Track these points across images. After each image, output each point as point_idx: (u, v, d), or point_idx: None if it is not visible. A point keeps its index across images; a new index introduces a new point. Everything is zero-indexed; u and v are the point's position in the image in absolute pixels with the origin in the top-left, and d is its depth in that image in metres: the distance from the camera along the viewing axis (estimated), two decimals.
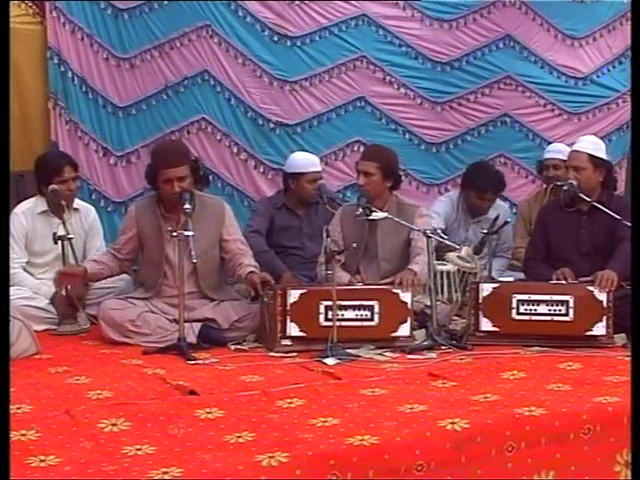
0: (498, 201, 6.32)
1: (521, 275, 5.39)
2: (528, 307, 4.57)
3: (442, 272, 5.13)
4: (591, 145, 5.01)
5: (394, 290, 4.58)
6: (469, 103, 7.17)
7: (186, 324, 4.48)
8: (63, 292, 4.91)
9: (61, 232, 5.00)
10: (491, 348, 4.42)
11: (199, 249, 4.66)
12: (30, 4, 6.14)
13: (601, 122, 7.47)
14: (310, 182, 5.73)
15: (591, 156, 4.94)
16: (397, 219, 4.88)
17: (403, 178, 6.79)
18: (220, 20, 6.48)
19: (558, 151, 6.14)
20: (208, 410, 3.28)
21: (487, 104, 7.20)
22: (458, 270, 5.14)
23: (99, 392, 3.58)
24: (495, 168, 6.48)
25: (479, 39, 7.17)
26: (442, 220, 5.96)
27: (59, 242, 4.96)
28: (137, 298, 4.82)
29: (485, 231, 5.27)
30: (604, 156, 5.02)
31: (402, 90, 7.00)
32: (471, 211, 6.13)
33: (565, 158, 5.58)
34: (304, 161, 5.80)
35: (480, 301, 4.61)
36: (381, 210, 4.94)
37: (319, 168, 5.83)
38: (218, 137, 6.53)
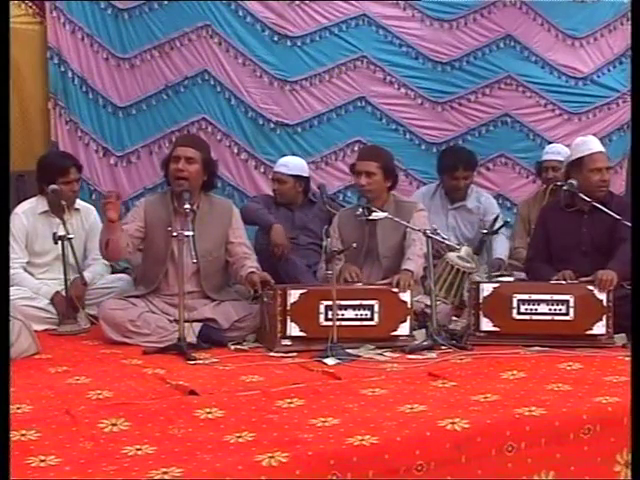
0: (482, 191, 6.33)
1: (520, 274, 5.41)
2: (528, 307, 4.57)
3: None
4: (600, 144, 5.06)
5: (394, 289, 4.59)
6: (469, 103, 7.17)
7: (186, 324, 4.48)
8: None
9: (61, 232, 5.00)
10: (491, 348, 4.42)
11: (204, 249, 4.68)
12: (30, 4, 6.14)
13: (601, 122, 7.47)
14: (277, 182, 5.77)
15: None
16: (397, 219, 4.88)
17: (404, 178, 6.90)
18: (220, 20, 6.48)
19: (557, 152, 6.14)
20: (208, 410, 3.28)
21: (487, 104, 7.20)
22: (457, 270, 5.14)
23: (99, 392, 3.58)
24: (465, 147, 6.54)
25: (479, 39, 7.17)
26: None
27: (59, 242, 4.96)
28: (137, 296, 4.82)
29: (485, 231, 5.28)
30: None
31: (402, 90, 7.00)
32: (450, 196, 6.15)
33: (563, 159, 5.58)
34: (280, 162, 5.85)
35: (480, 301, 4.62)
36: (380, 209, 4.94)
37: (278, 169, 5.74)
38: (218, 137, 6.53)
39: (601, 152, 5.00)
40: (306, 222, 5.72)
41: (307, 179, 5.83)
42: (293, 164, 5.78)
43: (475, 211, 6.12)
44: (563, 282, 4.71)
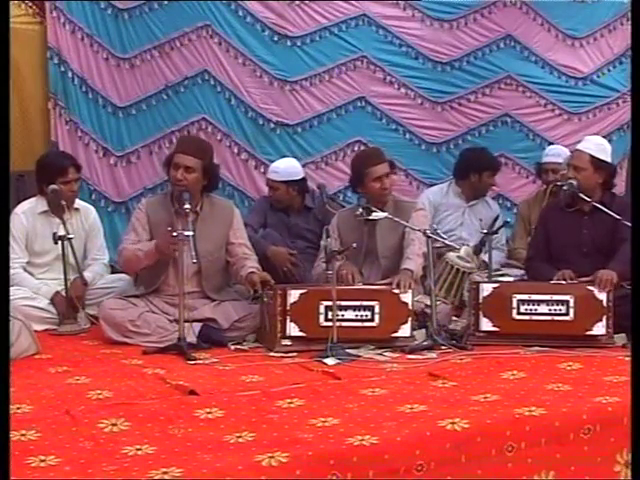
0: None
1: (517, 271, 5.43)
2: (528, 307, 4.57)
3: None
4: (594, 146, 5.00)
5: (394, 290, 4.58)
6: (469, 103, 7.16)
7: (186, 324, 4.48)
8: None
9: (61, 232, 5.00)
10: (491, 348, 4.42)
11: (205, 250, 4.68)
12: (30, 4, 6.14)
13: (601, 122, 7.47)
14: (270, 188, 5.78)
15: (593, 157, 4.94)
16: (396, 219, 4.88)
17: (404, 178, 6.91)
18: (220, 20, 6.47)
19: (557, 154, 6.15)
20: (208, 410, 3.28)
21: (487, 104, 7.20)
22: (457, 270, 5.15)
23: (99, 392, 3.58)
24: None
25: (480, 39, 7.16)
26: (431, 209, 6.06)
27: (59, 242, 4.96)
28: (137, 296, 4.82)
29: (485, 231, 5.28)
30: (607, 158, 5.00)
31: (402, 90, 6.99)
32: (474, 194, 6.27)
33: (563, 161, 5.61)
34: (272, 167, 5.84)
35: (480, 301, 4.62)
36: (380, 209, 4.94)
37: (272, 176, 5.74)
38: (218, 137, 6.53)
39: (579, 150, 5.01)
40: (302, 231, 5.72)
41: (301, 181, 5.80)
42: (283, 169, 5.75)
43: (485, 210, 6.19)
44: (563, 282, 4.71)
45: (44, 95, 6.21)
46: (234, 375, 3.95)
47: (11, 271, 4.84)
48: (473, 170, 6.21)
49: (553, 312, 4.55)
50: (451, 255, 5.25)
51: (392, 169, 5.18)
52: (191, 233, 4.45)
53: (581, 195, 4.92)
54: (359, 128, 6.86)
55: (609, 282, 4.55)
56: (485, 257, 5.36)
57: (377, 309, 4.51)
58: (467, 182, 6.24)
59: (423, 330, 4.62)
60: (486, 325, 4.61)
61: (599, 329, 4.52)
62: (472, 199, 6.26)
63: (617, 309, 4.51)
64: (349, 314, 4.48)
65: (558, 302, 4.55)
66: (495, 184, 6.47)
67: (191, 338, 4.52)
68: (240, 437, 2.96)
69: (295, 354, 4.37)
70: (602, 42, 7.51)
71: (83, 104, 6.26)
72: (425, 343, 4.46)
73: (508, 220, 5.79)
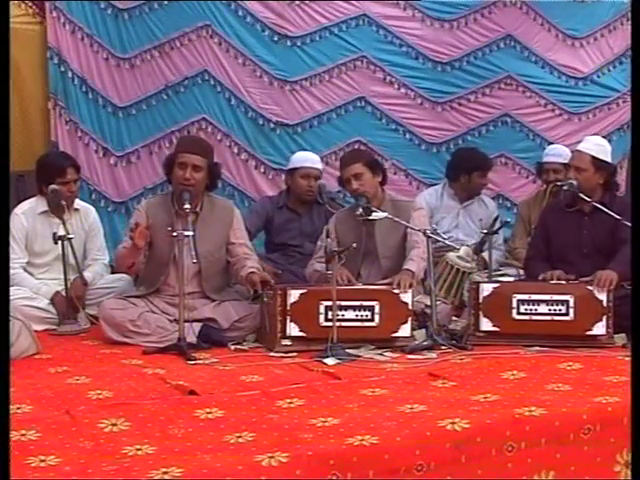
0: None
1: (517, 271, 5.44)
2: (528, 307, 4.57)
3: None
4: (595, 147, 4.99)
5: (394, 290, 4.58)
6: (469, 103, 7.17)
7: (186, 324, 4.48)
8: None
9: (61, 232, 5.00)
10: (491, 348, 4.42)
11: (206, 250, 4.69)
12: (30, 4, 6.14)
13: (601, 122, 7.47)
14: (303, 177, 5.79)
15: (593, 158, 4.93)
16: (396, 219, 4.87)
17: (404, 178, 6.91)
18: (220, 20, 6.48)
19: (558, 154, 6.15)
20: (208, 410, 3.28)
21: (488, 104, 7.20)
22: (457, 270, 5.15)
23: (99, 392, 3.57)
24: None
25: (480, 39, 7.17)
26: (428, 210, 6.04)
27: (59, 242, 4.96)
28: (137, 297, 4.82)
29: (485, 231, 5.28)
30: (608, 159, 4.99)
31: (402, 90, 7.00)
32: (467, 194, 6.29)
33: (565, 162, 5.61)
34: (299, 157, 5.94)
35: (480, 301, 4.62)
36: (378, 209, 4.93)
37: (315, 165, 5.86)
38: (218, 137, 6.53)
39: (579, 151, 5.01)
40: (313, 230, 5.65)
41: None
42: (317, 157, 5.95)
43: (481, 209, 6.20)
44: (563, 282, 4.72)
45: (44, 95, 6.22)
46: (234, 375, 3.94)
47: (11, 271, 4.84)
48: (463, 171, 6.22)
49: (553, 312, 4.55)
50: (451, 255, 5.25)
51: (373, 169, 5.10)
52: (191, 233, 4.46)
53: (581, 195, 4.92)
54: (359, 128, 6.87)
55: (609, 282, 4.54)
56: (485, 257, 5.36)
57: (377, 309, 4.51)
58: (458, 183, 6.25)
59: (423, 330, 4.62)
60: (486, 325, 4.60)
61: (599, 329, 4.52)
62: (465, 200, 6.27)
63: (617, 309, 4.51)
64: (349, 314, 4.48)
65: (558, 302, 4.55)
66: (487, 183, 6.46)
67: (191, 338, 4.52)
68: (240, 437, 2.96)
69: (295, 354, 4.37)
70: (602, 42, 7.52)
71: (83, 104, 6.27)
72: (425, 343, 4.45)
73: (508, 220, 5.79)
